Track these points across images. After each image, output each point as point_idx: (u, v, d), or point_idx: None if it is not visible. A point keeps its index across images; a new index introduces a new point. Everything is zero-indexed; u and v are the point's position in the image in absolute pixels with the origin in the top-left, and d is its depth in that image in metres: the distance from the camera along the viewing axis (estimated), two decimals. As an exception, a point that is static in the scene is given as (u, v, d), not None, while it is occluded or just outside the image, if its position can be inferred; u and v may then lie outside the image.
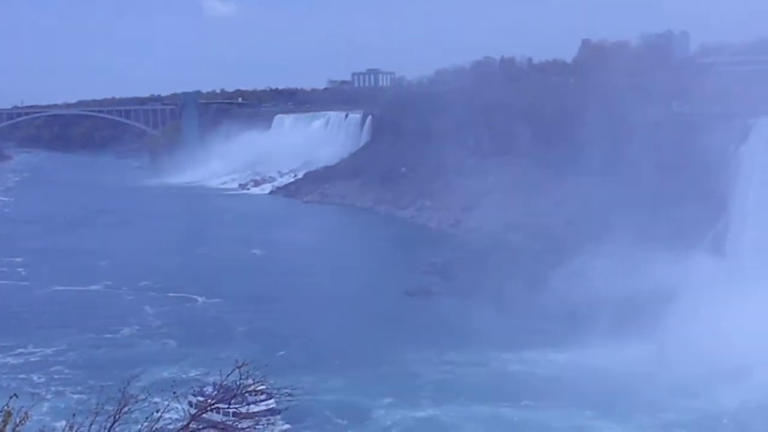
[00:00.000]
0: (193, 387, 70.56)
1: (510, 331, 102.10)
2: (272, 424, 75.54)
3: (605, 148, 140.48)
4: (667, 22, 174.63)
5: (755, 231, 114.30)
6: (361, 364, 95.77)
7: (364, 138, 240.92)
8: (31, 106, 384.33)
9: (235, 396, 23.70)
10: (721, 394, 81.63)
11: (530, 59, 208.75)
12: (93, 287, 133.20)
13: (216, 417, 24.95)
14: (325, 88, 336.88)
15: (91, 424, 21.62)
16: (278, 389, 26.53)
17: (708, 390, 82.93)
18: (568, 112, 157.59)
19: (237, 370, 23.00)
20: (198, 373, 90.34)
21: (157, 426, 22.22)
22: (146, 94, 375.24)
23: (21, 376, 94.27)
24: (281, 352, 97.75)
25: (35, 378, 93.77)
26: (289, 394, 25.87)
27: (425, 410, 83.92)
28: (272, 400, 73.82)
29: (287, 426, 79.67)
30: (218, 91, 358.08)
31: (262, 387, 25.43)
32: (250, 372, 23.42)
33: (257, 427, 38.39)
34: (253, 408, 71.14)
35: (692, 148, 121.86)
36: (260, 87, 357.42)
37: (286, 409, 74.12)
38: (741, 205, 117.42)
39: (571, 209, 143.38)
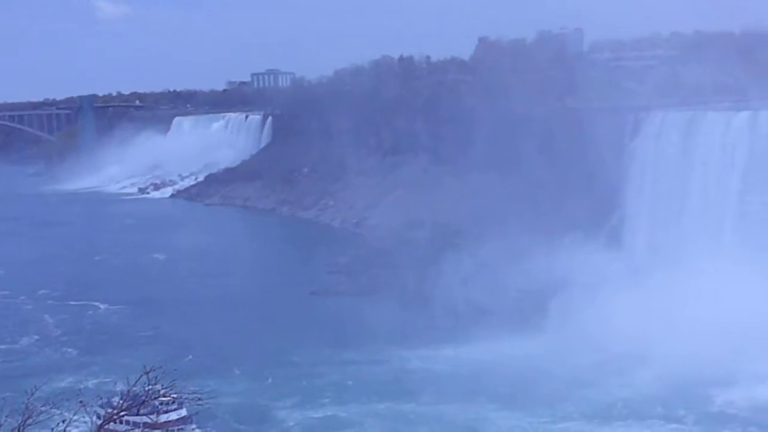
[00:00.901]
0: (101, 397, 69.46)
1: (411, 327, 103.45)
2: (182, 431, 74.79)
3: (503, 143, 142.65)
4: (561, 20, 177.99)
5: (649, 223, 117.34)
6: (265, 365, 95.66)
7: (265, 139, 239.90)
8: None
9: (143, 403, 23.50)
10: (616, 384, 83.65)
11: (428, 57, 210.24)
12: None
13: (121, 428, 24.70)
14: (224, 90, 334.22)
15: (-6, 438, 21.27)
16: (187, 395, 26.36)
17: (603, 380, 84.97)
18: (466, 110, 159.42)
19: (144, 377, 22.82)
20: (101, 381, 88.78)
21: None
22: (40, 99, 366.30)
23: None
24: (187, 357, 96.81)
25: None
26: (199, 399, 25.77)
27: (327, 409, 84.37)
28: (183, 409, 73.12)
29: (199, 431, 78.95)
30: (114, 94, 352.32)
31: (170, 393, 25.29)
32: (158, 378, 23.25)
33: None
34: (164, 417, 70.51)
35: (587, 142, 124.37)
36: (158, 89, 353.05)
37: (196, 413, 73.61)
38: (635, 198, 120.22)
39: (471, 205, 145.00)
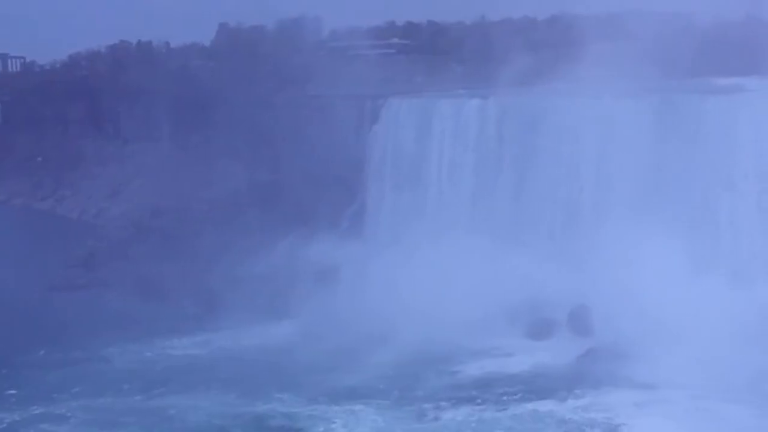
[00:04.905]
0: None
1: (152, 319, 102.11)
2: None
3: (246, 131, 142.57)
4: (299, 7, 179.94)
5: (390, 207, 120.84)
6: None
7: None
8: None
9: None
10: (354, 367, 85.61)
11: (168, 43, 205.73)
12: None
13: None
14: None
15: None
16: None
17: (341, 364, 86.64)
18: (208, 96, 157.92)
19: None
20: None
21: None
22: None
23: None
24: None
25: None
26: None
27: (40, 408, 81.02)
28: None
29: None
30: None
31: None
32: None
33: None
34: None
35: (329, 129, 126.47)
36: None
37: None
38: (375, 184, 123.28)
39: (215, 192, 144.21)
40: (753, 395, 72.88)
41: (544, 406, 76.91)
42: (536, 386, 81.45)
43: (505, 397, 79.47)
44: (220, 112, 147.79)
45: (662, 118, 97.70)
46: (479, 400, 79.01)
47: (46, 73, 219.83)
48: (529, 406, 77.26)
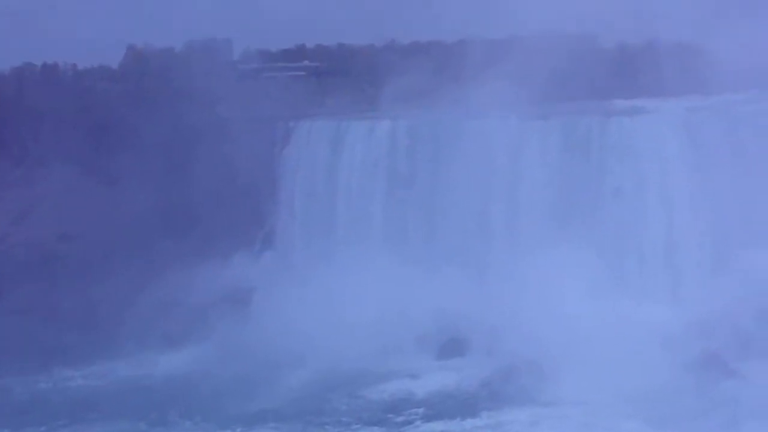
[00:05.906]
0: None
1: (54, 348, 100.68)
2: None
3: (156, 154, 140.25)
4: (210, 29, 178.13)
5: (302, 228, 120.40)
6: None
7: None
8: None
9: None
10: (266, 390, 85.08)
11: (74, 65, 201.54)
12: None
13: None
14: None
15: None
16: None
17: (260, 384, 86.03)
18: (117, 119, 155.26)
19: None
20: None
21: None
22: None
23: None
24: None
25: None
26: None
27: None
28: None
29: None
30: None
31: None
32: None
33: None
34: None
35: (241, 151, 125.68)
36: None
37: None
38: (287, 205, 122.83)
39: (124, 217, 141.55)
40: (649, 411, 74.84)
41: (439, 426, 78.16)
42: (439, 407, 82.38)
43: (408, 419, 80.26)
44: (130, 135, 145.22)
45: (568, 139, 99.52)
46: (381, 423, 79.74)
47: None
48: (425, 426, 78.37)
